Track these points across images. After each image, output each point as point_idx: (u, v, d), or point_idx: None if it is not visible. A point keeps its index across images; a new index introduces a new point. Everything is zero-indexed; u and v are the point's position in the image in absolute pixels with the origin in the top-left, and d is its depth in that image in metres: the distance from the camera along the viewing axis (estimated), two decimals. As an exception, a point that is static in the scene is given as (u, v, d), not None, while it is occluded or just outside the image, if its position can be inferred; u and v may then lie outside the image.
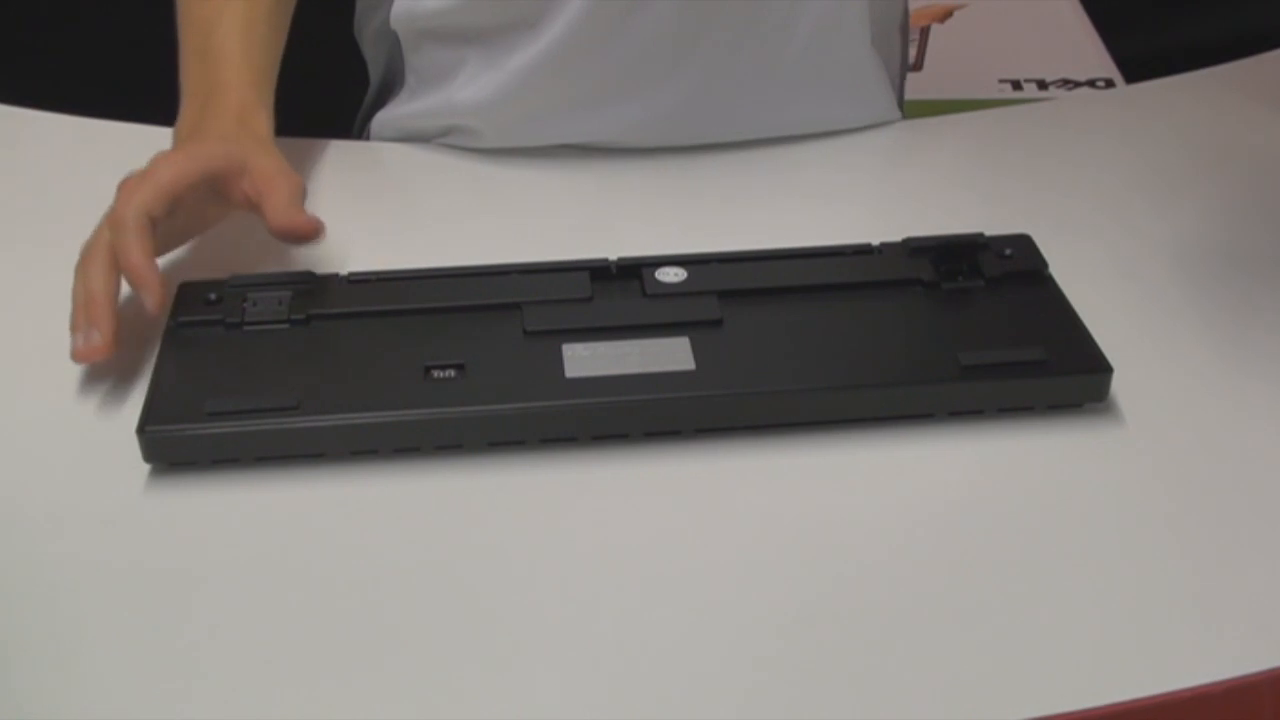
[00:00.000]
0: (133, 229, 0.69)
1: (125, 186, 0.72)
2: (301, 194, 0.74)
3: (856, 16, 0.89)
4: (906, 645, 0.57)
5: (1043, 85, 1.57)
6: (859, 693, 0.55)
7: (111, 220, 0.70)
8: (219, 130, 0.76)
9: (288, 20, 0.85)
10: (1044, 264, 0.73)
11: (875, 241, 0.75)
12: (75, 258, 0.80)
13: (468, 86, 0.88)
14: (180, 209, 0.72)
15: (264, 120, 0.79)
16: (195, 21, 0.82)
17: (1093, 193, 0.85)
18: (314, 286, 0.72)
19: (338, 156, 0.89)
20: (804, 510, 0.63)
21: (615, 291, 0.72)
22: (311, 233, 0.73)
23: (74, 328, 0.69)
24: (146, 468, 0.65)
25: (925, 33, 1.62)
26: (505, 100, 0.87)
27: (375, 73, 0.99)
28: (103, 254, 0.70)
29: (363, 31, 0.98)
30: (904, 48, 1.00)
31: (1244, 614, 0.58)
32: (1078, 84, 1.57)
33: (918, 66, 1.60)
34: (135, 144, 0.91)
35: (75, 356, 0.68)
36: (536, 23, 0.85)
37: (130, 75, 1.45)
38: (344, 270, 0.73)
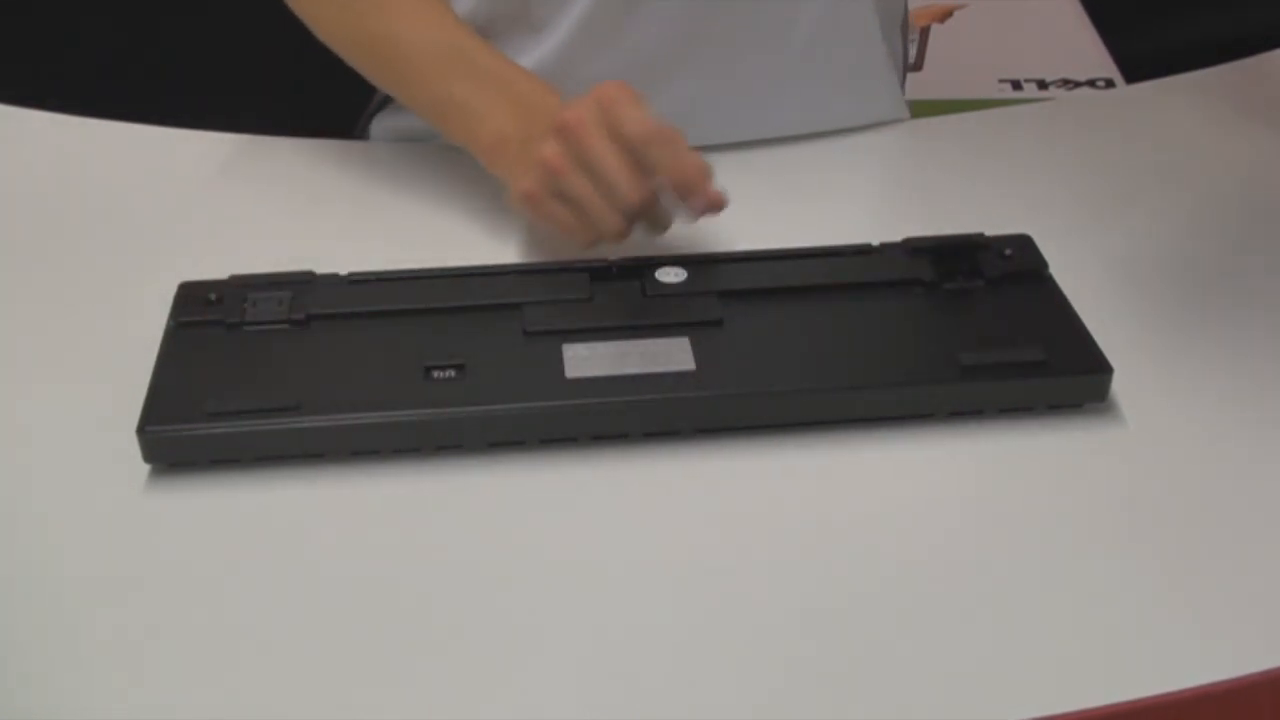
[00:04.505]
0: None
1: (623, 103, 0.70)
2: None
3: (859, 13, 0.89)
4: (906, 645, 0.57)
5: (1043, 85, 1.57)
6: (859, 692, 0.55)
7: (660, 135, 0.70)
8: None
9: None
10: (1044, 264, 0.73)
11: (875, 241, 0.75)
12: (75, 257, 0.80)
13: None
14: None
15: None
16: (420, 44, 0.80)
17: (1093, 193, 0.85)
18: (314, 286, 0.72)
19: (338, 156, 0.89)
20: (804, 510, 0.63)
21: (615, 292, 0.72)
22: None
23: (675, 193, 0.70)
24: (146, 468, 0.65)
25: (925, 33, 1.62)
26: None
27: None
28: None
29: None
30: (904, 46, 1.00)
31: (1244, 614, 0.58)
32: (1078, 84, 1.57)
33: (918, 66, 1.60)
34: (135, 144, 0.91)
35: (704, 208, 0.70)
36: (540, 27, 0.85)
37: (130, 75, 1.45)
38: (344, 270, 0.73)
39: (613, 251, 0.74)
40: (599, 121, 0.71)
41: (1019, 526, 0.62)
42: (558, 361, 0.67)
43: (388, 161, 0.89)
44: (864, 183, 0.90)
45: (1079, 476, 0.65)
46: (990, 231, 0.75)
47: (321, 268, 0.73)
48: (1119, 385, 0.68)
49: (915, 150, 0.93)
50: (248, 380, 0.66)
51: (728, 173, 0.88)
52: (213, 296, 0.71)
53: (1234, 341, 0.73)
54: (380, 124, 0.95)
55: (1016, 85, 1.57)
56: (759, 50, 0.88)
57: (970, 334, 0.69)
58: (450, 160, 0.88)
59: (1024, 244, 0.75)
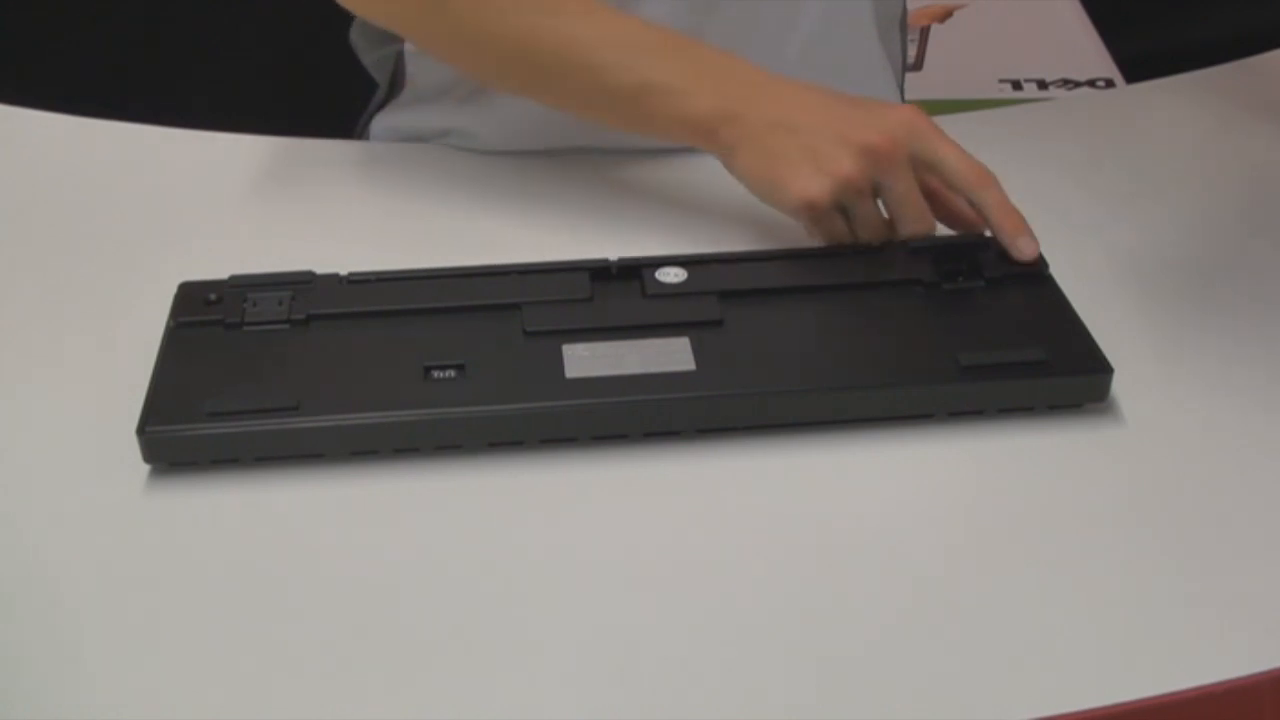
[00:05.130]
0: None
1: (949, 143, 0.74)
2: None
3: (859, 14, 0.89)
4: (906, 645, 0.57)
5: (1043, 85, 1.57)
6: (859, 693, 0.55)
7: (983, 178, 0.74)
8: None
9: None
10: (1044, 264, 0.73)
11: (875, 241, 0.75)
12: (74, 257, 0.80)
13: (468, 91, 0.88)
14: None
15: None
16: (595, 33, 0.78)
17: (1093, 193, 0.85)
18: (314, 287, 0.72)
19: (338, 156, 0.89)
20: (804, 510, 0.63)
21: (615, 292, 0.72)
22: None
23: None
24: (146, 468, 0.65)
25: (925, 33, 1.62)
26: (505, 105, 0.87)
27: (380, 76, 0.99)
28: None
29: (360, 38, 0.98)
30: (903, 45, 1.00)
31: (1244, 614, 0.58)
32: (1078, 84, 1.57)
33: (918, 66, 1.60)
34: (135, 144, 0.91)
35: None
36: None
37: (130, 75, 1.45)
38: (344, 270, 0.73)
39: (613, 251, 0.74)
40: (909, 151, 0.73)
41: (1019, 526, 0.62)
42: (558, 361, 0.67)
43: (388, 161, 0.89)
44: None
45: (1079, 476, 0.65)
46: (990, 231, 0.75)
47: (321, 268, 0.73)
48: (1119, 385, 0.68)
49: (915, 150, 0.93)
50: (247, 380, 0.66)
51: (727, 172, 0.88)
52: (213, 296, 0.71)
53: (1234, 341, 0.73)
54: (380, 124, 0.95)
55: (1016, 85, 1.57)
56: (756, 52, 0.87)
57: (970, 334, 0.69)
58: (450, 160, 0.88)
59: (1024, 244, 0.75)
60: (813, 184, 0.73)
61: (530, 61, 0.79)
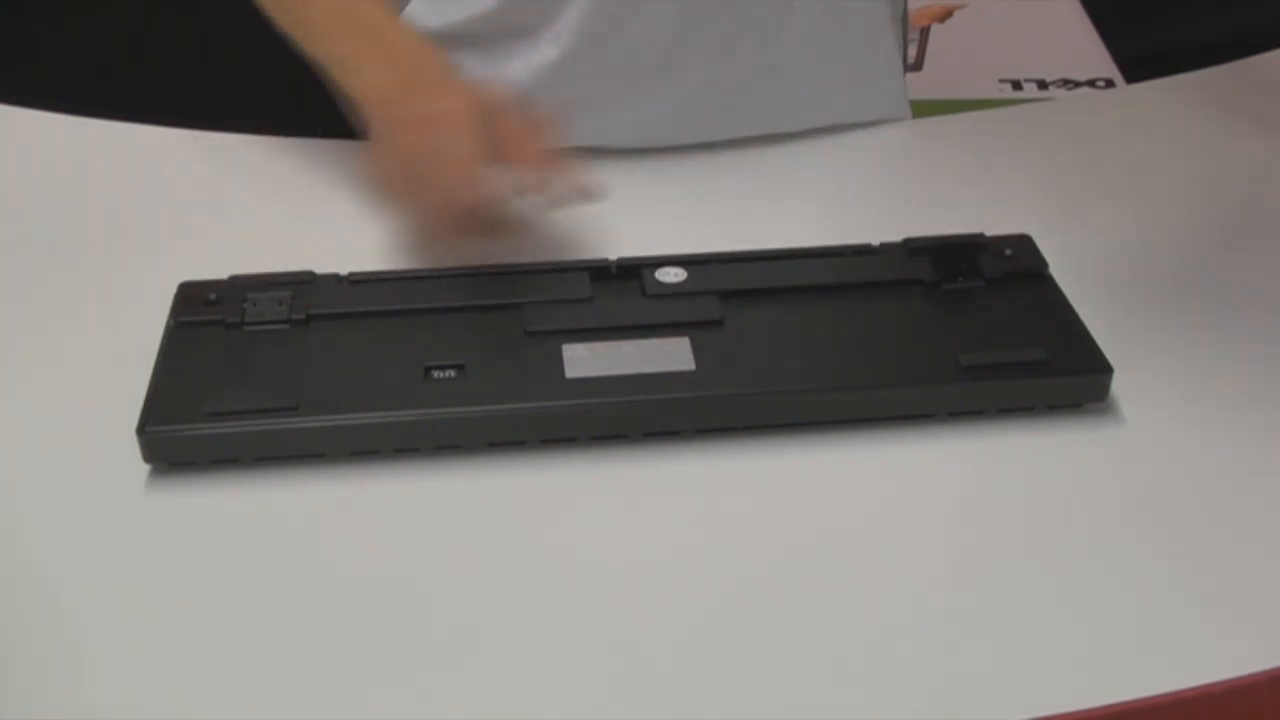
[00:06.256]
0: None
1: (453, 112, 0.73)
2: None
3: (856, 7, 0.89)
4: (906, 645, 0.57)
5: (1043, 85, 1.57)
6: (859, 692, 0.55)
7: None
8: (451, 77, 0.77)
9: None
10: (1044, 264, 0.73)
11: (875, 241, 0.75)
12: (74, 257, 0.80)
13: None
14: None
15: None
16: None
17: (1092, 193, 0.85)
18: (314, 286, 0.72)
19: (338, 156, 0.89)
20: (804, 510, 0.63)
21: (615, 292, 0.72)
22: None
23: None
24: (146, 468, 0.65)
25: (925, 33, 1.62)
26: None
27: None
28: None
29: None
30: (904, 43, 1.00)
31: (1244, 614, 0.58)
32: (1078, 84, 1.57)
33: (918, 66, 1.60)
34: (135, 144, 0.91)
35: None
36: (536, 31, 0.85)
37: (130, 75, 1.45)
38: (344, 270, 0.73)
39: (613, 251, 0.74)
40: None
41: (1019, 526, 0.62)
42: (558, 361, 0.67)
43: (388, 161, 0.89)
44: (864, 183, 0.90)
45: (1079, 476, 0.65)
46: (990, 231, 0.75)
47: (321, 268, 0.73)
48: (1119, 385, 0.68)
49: (915, 150, 0.93)
50: (247, 380, 0.66)
51: (728, 172, 0.88)
52: (213, 296, 0.71)
53: (1233, 342, 0.73)
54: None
55: (1016, 85, 1.57)
56: (754, 46, 0.88)
57: (970, 334, 0.69)
58: (450, 160, 0.88)
59: (1024, 244, 0.75)
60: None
61: (286, 13, 0.82)
